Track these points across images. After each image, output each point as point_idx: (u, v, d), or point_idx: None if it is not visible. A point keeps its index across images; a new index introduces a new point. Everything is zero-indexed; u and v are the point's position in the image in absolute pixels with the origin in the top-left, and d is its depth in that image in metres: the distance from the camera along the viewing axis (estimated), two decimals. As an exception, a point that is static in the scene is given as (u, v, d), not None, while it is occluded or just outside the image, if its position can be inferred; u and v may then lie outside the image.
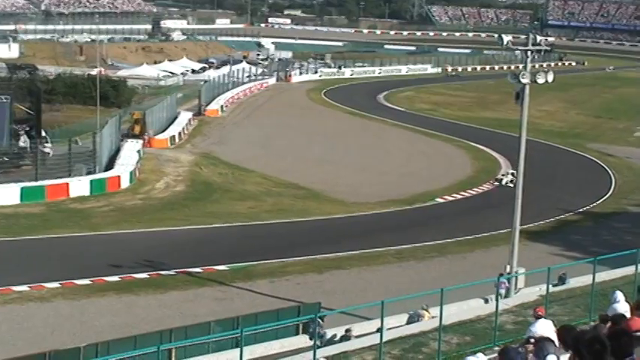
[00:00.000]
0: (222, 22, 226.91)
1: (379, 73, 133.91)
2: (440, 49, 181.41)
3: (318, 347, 23.81)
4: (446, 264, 41.40)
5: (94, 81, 75.10)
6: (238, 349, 22.80)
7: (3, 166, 51.62)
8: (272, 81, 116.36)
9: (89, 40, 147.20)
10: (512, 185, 67.28)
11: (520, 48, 35.24)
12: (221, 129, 78.91)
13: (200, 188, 55.18)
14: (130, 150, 59.61)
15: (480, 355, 13.22)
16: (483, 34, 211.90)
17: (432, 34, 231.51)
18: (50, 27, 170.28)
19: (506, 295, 30.42)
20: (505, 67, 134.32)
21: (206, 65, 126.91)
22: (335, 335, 28.48)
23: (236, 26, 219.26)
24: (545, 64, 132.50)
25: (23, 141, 53.81)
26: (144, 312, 33.19)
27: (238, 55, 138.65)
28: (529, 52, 33.38)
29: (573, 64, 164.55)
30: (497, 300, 25.94)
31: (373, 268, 40.20)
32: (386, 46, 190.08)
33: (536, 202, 49.87)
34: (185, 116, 79.16)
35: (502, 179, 59.75)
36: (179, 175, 57.64)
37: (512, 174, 61.32)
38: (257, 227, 47.02)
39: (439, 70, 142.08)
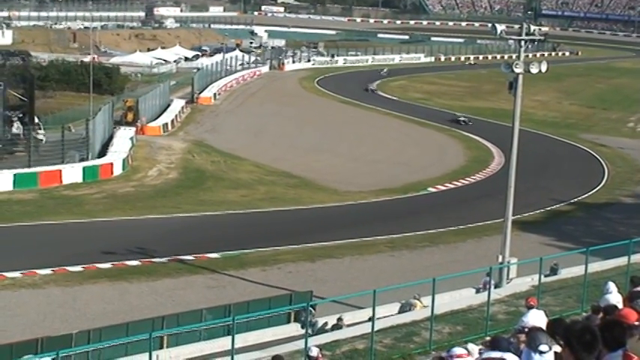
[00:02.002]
0: (216, 10, 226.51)
1: (372, 62, 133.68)
2: (433, 39, 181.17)
3: (310, 335, 23.85)
4: (438, 253, 41.44)
5: (87, 68, 74.94)
6: (230, 337, 22.83)
7: (-4, 153, 51.58)
8: (265, 69, 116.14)
9: (82, 27, 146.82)
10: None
11: (514, 37, 35.26)
12: (214, 117, 78.83)
13: (192, 176, 55.16)
14: (123, 137, 59.53)
15: (470, 345, 13.25)
16: (477, 24, 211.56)
17: (425, 23, 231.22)
18: (43, 14, 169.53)
19: (497, 286, 30.44)
20: (499, 56, 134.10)
21: (199, 53, 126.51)
22: (326, 324, 28.55)
23: (229, 14, 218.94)
24: (538, 54, 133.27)
25: (16, 127, 53.67)
26: (136, 299, 33.21)
27: (231, 43, 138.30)
28: (522, 42, 33.40)
29: (567, 54, 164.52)
30: (489, 290, 25.96)
31: (365, 257, 40.24)
32: (379, 35, 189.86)
33: (528, 192, 49.98)
34: (178, 104, 79.02)
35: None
36: (172, 163, 57.61)
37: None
38: (249, 215, 47.01)
39: (432, 59, 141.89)
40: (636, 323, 10.95)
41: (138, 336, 24.92)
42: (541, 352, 9.16)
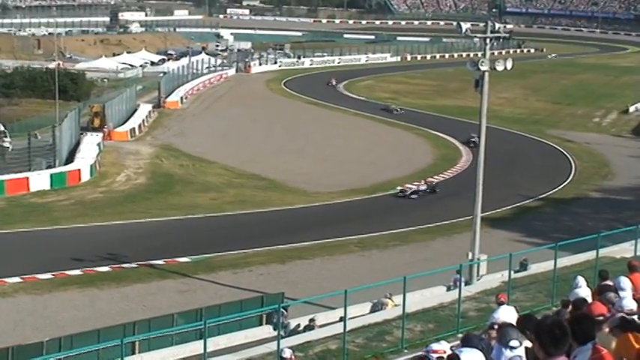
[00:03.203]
0: (181, 14, 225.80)
1: (339, 62, 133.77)
2: (399, 38, 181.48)
3: (282, 337, 23.80)
4: (408, 252, 41.54)
5: (53, 74, 74.59)
6: (202, 341, 22.75)
7: (-39, 162, 51.22)
8: (231, 72, 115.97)
9: (47, 33, 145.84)
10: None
11: (479, 35, 35.39)
12: (181, 121, 78.62)
13: (161, 180, 54.99)
14: (90, 143, 59.29)
15: (443, 342, 13.28)
16: (442, 22, 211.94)
17: (390, 22, 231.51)
18: (7, 20, 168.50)
19: (467, 283, 30.52)
20: (464, 54, 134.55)
21: (165, 57, 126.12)
22: (299, 325, 28.55)
23: (194, 17, 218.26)
24: (504, 52, 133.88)
25: (-19, 136, 53.37)
26: (107, 305, 33.07)
27: (197, 46, 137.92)
28: (488, 40, 33.54)
29: (532, 50, 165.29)
30: (459, 287, 26.02)
31: (336, 258, 40.28)
32: (345, 36, 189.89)
33: (497, 189, 50.16)
34: (145, 108, 78.76)
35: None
36: (140, 168, 57.41)
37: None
38: (219, 219, 46.93)
39: (398, 58, 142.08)
40: (604, 317, 11.03)
41: (109, 342, 24.79)
42: (512, 348, 9.22)
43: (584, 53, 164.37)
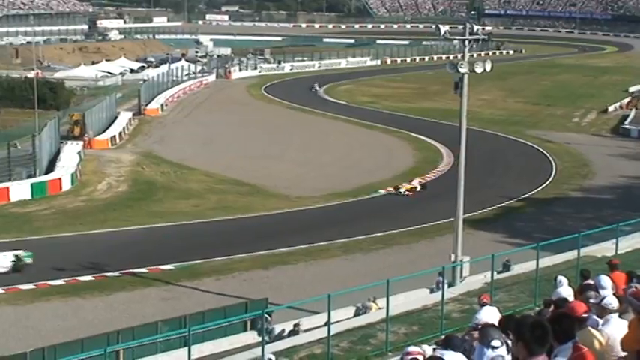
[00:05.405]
0: (160, 21, 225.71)
1: (319, 67, 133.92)
2: (378, 42, 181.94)
3: (267, 343, 23.83)
4: (392, 255, 41.60)
5: (32, 83, 74.40)
6: (186, 348, 22.76)
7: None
8: (212, 78, 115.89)
9: (25, 42, 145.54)
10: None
11: (457, 38, 35.51)
12: (162, 128, 78.51)
13: (143, 188, 54.88)
14: (71, 152, 59.14)
15: (425, 346, 13.35)
16: (421, 25, 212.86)
17: (370, 26, 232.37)
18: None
19: (450, 285, 30.62)
20: (444, 57, 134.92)
21: (144, 64, 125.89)
22: (283, 330, 28.58)
23: (173, 24, 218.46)
24: (483, 54, 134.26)
25: (-39, 146, 53.16)
26: (90, 314, 32.99)
27: (177, 53, 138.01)
28: (466, 42, 33.66)
29: (511, 52, 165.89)
30: (442, 289, 26.11)
31: (319, 262, 40.32)
32: (325, 40, 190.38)
33: (478, 191, 50.32)
34: (125, 116, 78.59)
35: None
36: (121, 176, 57.28)
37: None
38: (201, 225, 46.86)
39: (378, 62, 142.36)
40: (585, 315, 11.11)
41: (93, 351, 24.77)
42: (493, 347, 9.28)
43: (563, 54, 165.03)
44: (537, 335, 7.41)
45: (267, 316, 28.28)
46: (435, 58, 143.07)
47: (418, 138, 74.92)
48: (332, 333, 22.66)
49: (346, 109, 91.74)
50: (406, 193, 54.07)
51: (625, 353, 9.60)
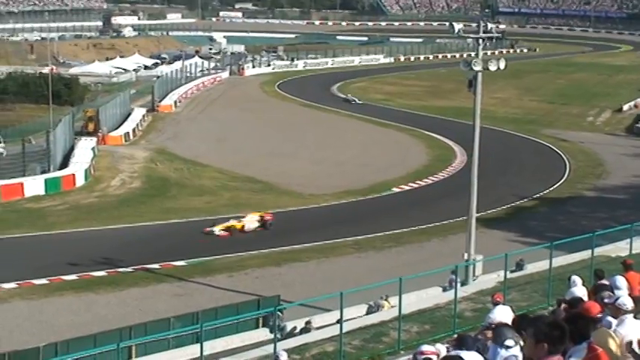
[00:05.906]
0: (174, 17, 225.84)
1: (332, 64, 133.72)
2: (392, 39, 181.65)
3: (279, 340, 23.84)
4: (404, 253, 41.53)
5: (46, 79, 74.48)
6: (199, 344, 22.79)
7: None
8: (225, 75, 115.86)
9: (40, 38, 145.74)
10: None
11: (471, 36, 35.44)
12: (175, 124, 78.58)
13: (156, 184, 54.94)
14: (85, 148, 59.23)
15: (438, 345, 13.32)
16: (435, 23, 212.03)
17: (383, 24, 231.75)
18: (0, 26, 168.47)
19: (463, 283, 30.57)
20: (458, 55, 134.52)
21: (158, 61, 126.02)
22: (295, 327, 28.57)
23: (187, 21, 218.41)
24: (497, 52, 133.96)
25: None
26: (103, 310, 33.05)
27: (190, 49, 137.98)
28: (480, 40, 33.59)
29: (525, 50, 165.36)
30: (455, 288, 26.07)
31: (332, 260, 40.28)
32: (338, 37, 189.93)
33: (491, 189, 50.15)
34: (139, 112, 78.73)
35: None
36: (134, 172, 57.35)
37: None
38: (214, 222, 46.79)
39: (391, 59, 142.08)
40: (599, 316, 11.06)
41: (106, 347, 24.81)
42: (507, 347, 9.25)
43: (578, 52, 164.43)
44: (556, 335, 7.38)
45: (280, 313, 28.28)
46: (449, 55, 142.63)
47: (432, 136, 74.81)
48: (344, 331, 22.65)
49: (359, 107, 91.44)
50: (220, 232, 43.53)
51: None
